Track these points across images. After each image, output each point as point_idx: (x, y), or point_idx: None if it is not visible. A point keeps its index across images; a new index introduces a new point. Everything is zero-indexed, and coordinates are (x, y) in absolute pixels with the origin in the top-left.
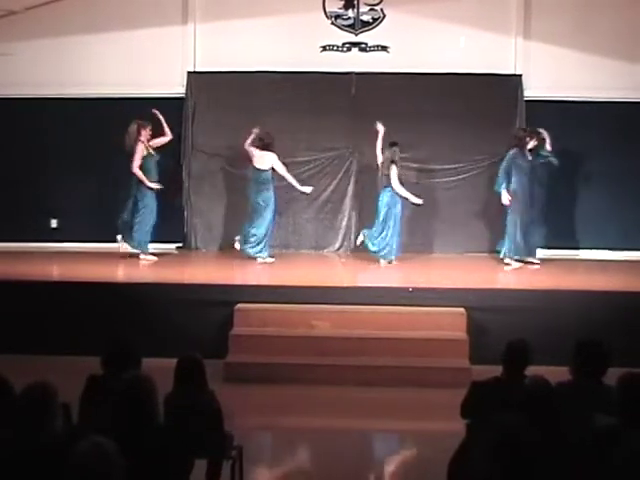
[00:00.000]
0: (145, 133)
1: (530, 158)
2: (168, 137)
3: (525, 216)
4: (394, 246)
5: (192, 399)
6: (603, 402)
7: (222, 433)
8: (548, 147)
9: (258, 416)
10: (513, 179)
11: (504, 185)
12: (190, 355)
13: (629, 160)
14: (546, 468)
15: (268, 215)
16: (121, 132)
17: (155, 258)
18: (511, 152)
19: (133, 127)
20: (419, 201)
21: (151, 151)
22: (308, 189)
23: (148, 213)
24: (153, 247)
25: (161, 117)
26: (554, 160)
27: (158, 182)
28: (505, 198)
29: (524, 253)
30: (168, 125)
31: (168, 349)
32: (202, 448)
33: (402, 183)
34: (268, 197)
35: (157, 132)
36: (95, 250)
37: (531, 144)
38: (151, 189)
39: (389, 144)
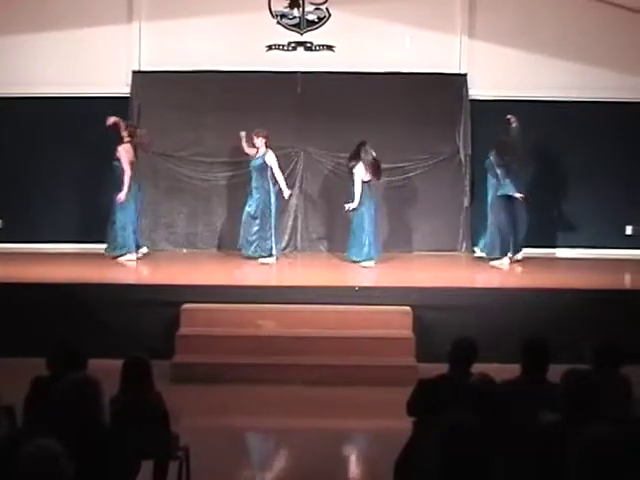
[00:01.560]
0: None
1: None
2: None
3: (506, 215)
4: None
5: (138, 400)
6: (547, 399)
7: (168, 434)
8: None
9: (205, 416)
10: (493, 181)
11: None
12: (136, 356)
13: (573, 158)
14: (493, 464)
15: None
16: (66, 131)
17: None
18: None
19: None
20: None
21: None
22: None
23: None
24: (100, 247)
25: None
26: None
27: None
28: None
29: (503, 251)
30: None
31: (114, 350)
32: (148, 449)
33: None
34: None
35: None
36: (41, 251)
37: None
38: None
39: (361, 143)
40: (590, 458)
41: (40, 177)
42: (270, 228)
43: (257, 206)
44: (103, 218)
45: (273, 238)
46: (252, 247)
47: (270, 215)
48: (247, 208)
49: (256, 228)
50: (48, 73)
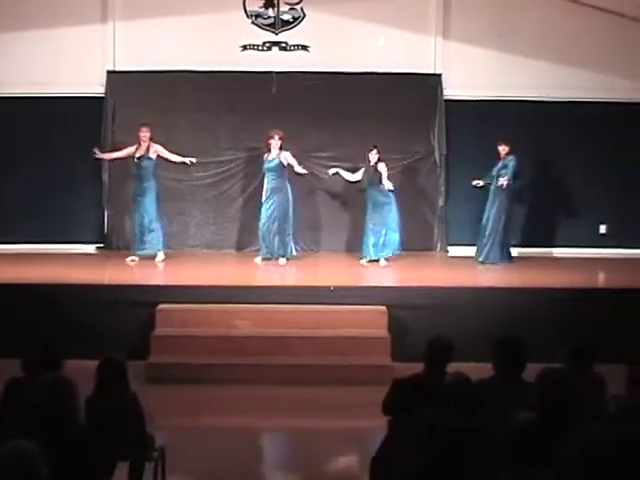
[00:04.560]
0: (141, 135)
1: (499, 165)
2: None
3: (486, 220)
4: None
5: (113, 401)
6: (522, 398)
7: (144, 434)
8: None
9: (180, 417)
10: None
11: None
12: (112, 357)
13: (547, 158)
14: (469, 462)
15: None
16: (40, 131)
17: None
18: None
19: None
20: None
21: (136, 154)
22: None
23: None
24: (74, 248)
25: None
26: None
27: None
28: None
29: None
30: (88, 124)
31: (90, 350)
32: (124, 450)
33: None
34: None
35: None
36: (15, 252)
37: (501, 150)
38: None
39: (374, 147)
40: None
41: (14, 177)
42: (289, 228)
43: (277, 207)
44: (77, 218)
45: (292, 238)
46: (274, 248)
47: (289, 215)
48: (267, 211)
49: (277, 229)
50: (22, 73)
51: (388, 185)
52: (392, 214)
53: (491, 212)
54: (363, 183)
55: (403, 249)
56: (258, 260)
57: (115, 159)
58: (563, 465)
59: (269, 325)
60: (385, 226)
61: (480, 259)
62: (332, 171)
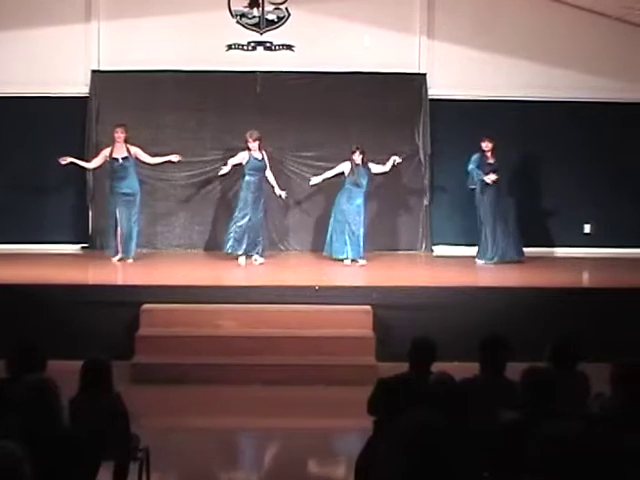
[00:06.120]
0: (116, 136)
1: (491, 162)
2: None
3: (493, 219)
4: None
5: (97, 401)
6: (506, 396)
7: (128, 435)
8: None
9: (165, 417)
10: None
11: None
12: (95, 357)
13: (532, 158)
14: (455, 462)
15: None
16: (24, 132)
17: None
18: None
19: None
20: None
21: (115, 155)
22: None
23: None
24: (58, 248)
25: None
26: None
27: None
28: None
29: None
30: (72, 124)
31: (74, 351)
32: (108, 450)
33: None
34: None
35: None
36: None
37: (484, 146)
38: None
39: (356, 148)
40: (547, 454)
41: None
42: (264, 227)
43: (260, 207)
44: (61, 219)
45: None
46: (251, 246)
47: (263, 215)
48: (257, 212)
49: (260, 229)
50: (6, 73)
51: (387, 167)
52: (364, 216)
53: (496, 209)
54: (351, 180)
55: (389, 249)
56: (242, 260)
57: (95, 168)
58: (530, 464)
59: (254, 325)
60: (359, 226)
61: (495, 259)
62: (314, 181)
